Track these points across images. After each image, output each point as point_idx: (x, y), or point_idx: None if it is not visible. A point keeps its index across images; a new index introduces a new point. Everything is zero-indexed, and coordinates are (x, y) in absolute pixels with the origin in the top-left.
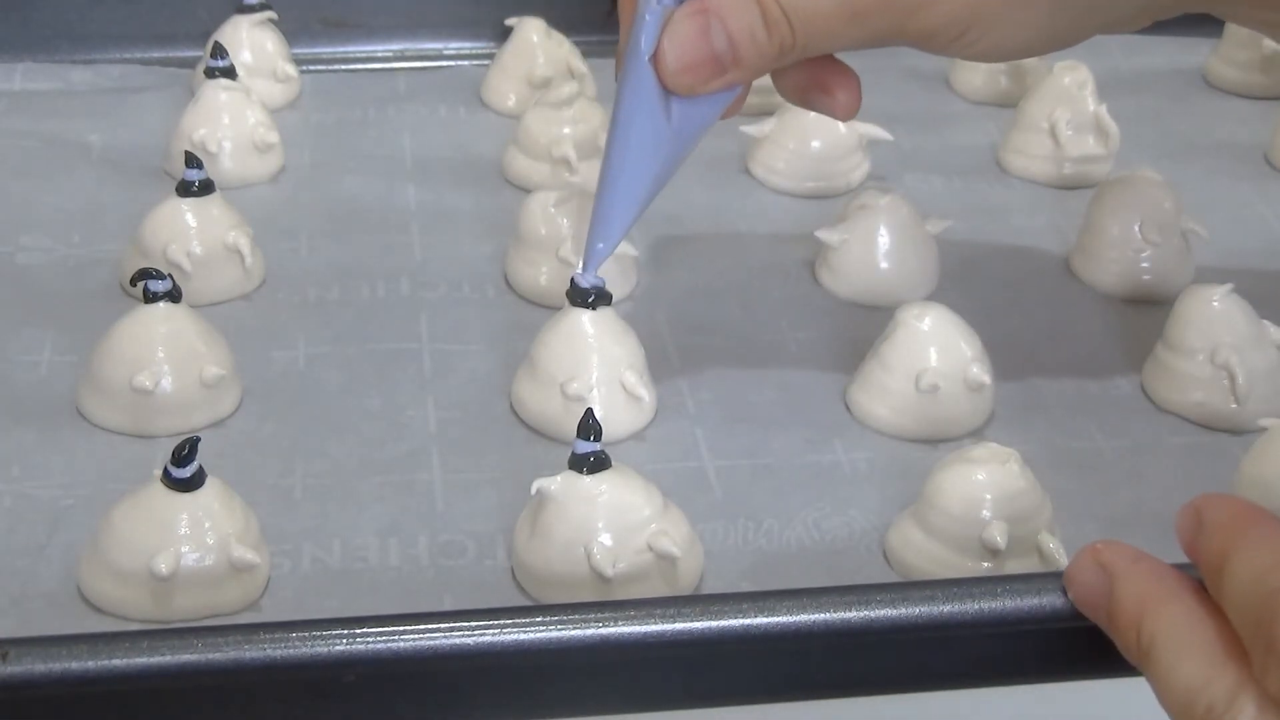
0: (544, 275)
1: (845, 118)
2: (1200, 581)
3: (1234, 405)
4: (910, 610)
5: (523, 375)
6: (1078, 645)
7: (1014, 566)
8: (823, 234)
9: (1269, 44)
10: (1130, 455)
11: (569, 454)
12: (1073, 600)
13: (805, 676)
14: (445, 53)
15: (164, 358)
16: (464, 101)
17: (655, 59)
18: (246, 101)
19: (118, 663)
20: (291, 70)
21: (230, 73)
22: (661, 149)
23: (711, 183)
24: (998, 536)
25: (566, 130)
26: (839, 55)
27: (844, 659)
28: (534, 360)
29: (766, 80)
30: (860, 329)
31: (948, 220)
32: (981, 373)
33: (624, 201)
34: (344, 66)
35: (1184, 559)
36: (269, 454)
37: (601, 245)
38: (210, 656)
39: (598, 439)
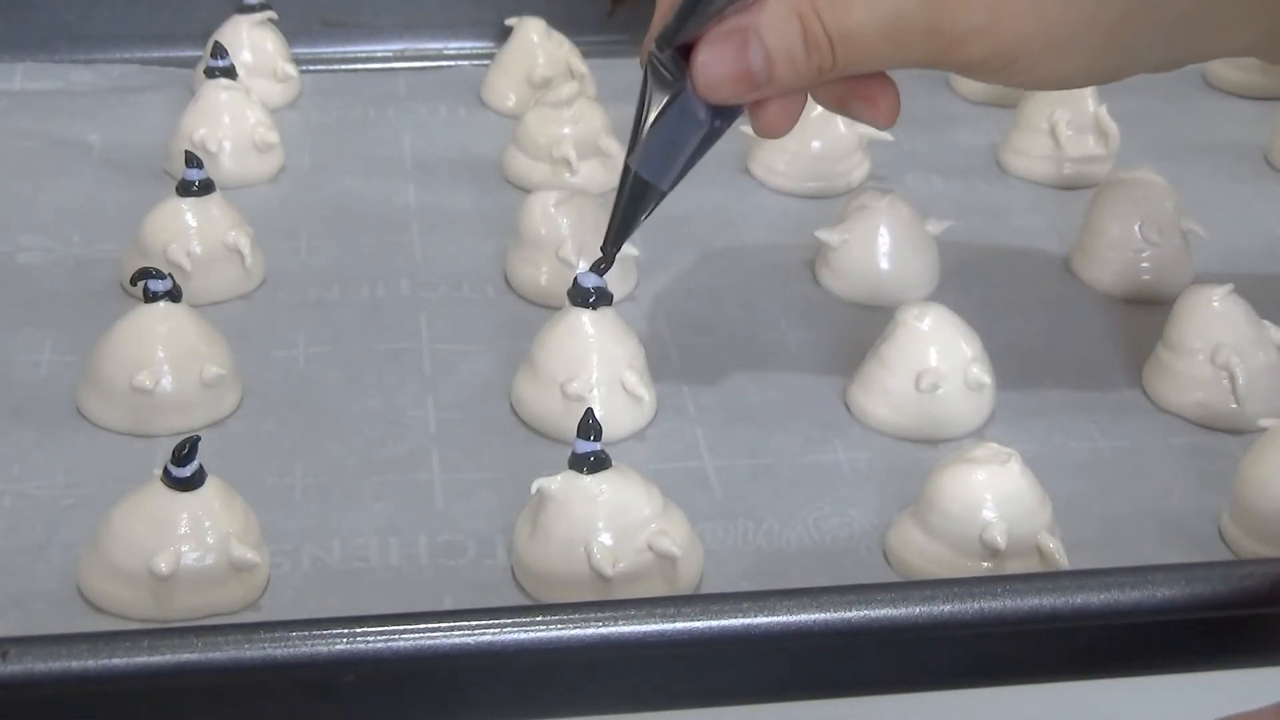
0: (544, 275)
1: (885, 126)
2: None
3: (1234, 405)
4: (910, 610)
5: (523, 375)
6: (1077, 645)
7: (1014, 566)
8: (823, 234)
9: None
10: (1130, 455)
11: (569, 454)
12: None
13: (805, 676)
14: (445, 53)
15: (164, 357)
16: (464, 101)
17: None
18: (246, 101)
19: (118, 662)
20: (291, 70)
21: (230, 73)
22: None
23: (711, 183)
24: (998, 536)
25: (566, 130)
26: None
27: (844, 659)
28: (534, 360)
29: None
30: (860, 329)
31: (948, 220)
32: (981, 373)
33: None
34: (344, 66)
35: None
36: (269, 454)
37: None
38: (210, 656)
39: (598, 439)
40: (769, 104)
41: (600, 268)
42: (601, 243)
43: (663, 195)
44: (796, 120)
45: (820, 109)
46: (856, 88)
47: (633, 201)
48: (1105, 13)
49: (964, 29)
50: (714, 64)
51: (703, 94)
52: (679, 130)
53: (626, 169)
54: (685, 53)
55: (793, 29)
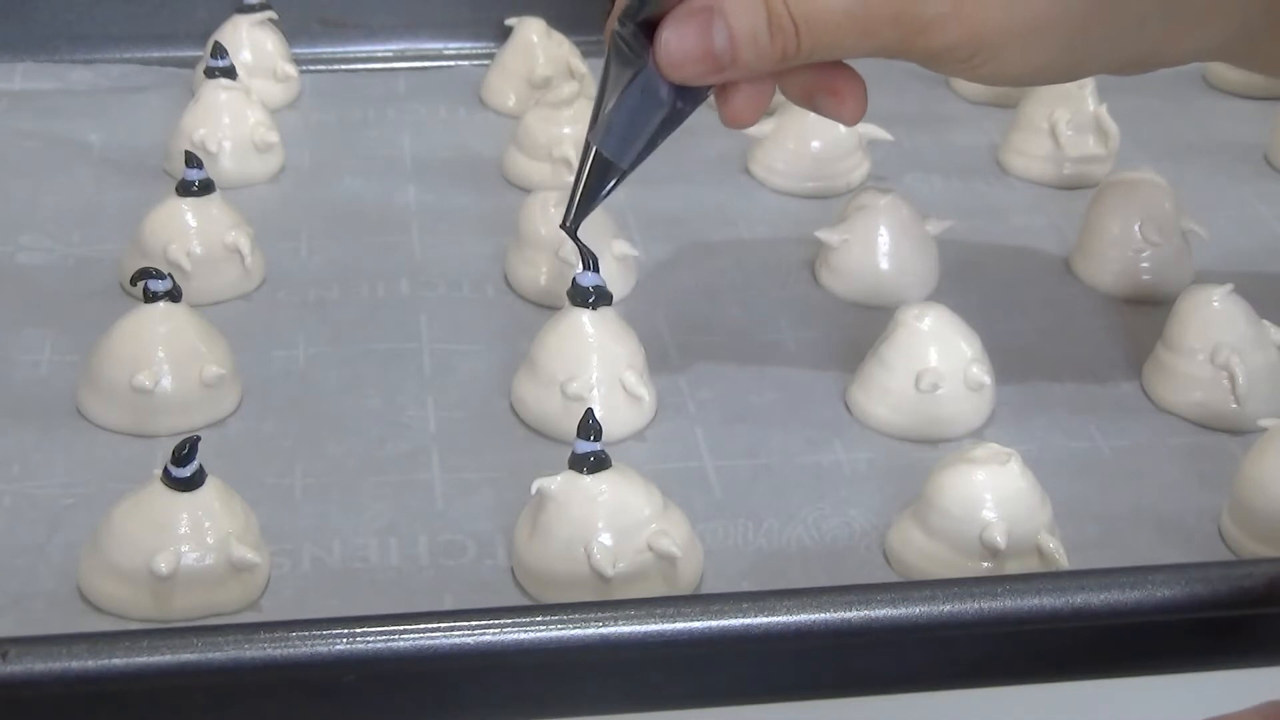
0: (544, 275)
1: (851, 123)
2: None
3: (1234, 405)
4: (910, 610)
5: (523, 375)
6: (1077, 645)
7: (1014, 566)
8: (823, 234)
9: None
10: (1130, 455)
11: (569, 454)
12: None
13: (805, 676)
14: (445, 53)
15: (164, 357)
16: (464, 101)
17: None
18: (246, 101)
19: (118, 662)
20: (291, 70)
21: (230, 72)
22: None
23: (711, 183)
24: (998, 536)
25: (566, 130)
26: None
27: (844, 659)
28: (534, 360)
29: None
30: (860, 329)
31: (948, 220)
32: (981, 373)
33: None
34: (344, 66)
35: None
36: (269, 454)
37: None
38: (210, 656)
39: (598, 439)
40: (735, 92)
41: (588, 265)
42: (560, 220)
43: (624, 173)
44: (763, 112)
45: None
46: (822, 80)
47: (594, 178)
48: (1070, 8)
49: (929, 16)
50: (677, 42)
51: (665, 73)
52: (641, 108)
53: (588, 145)
54: (650, 30)
55: (757, 11)
